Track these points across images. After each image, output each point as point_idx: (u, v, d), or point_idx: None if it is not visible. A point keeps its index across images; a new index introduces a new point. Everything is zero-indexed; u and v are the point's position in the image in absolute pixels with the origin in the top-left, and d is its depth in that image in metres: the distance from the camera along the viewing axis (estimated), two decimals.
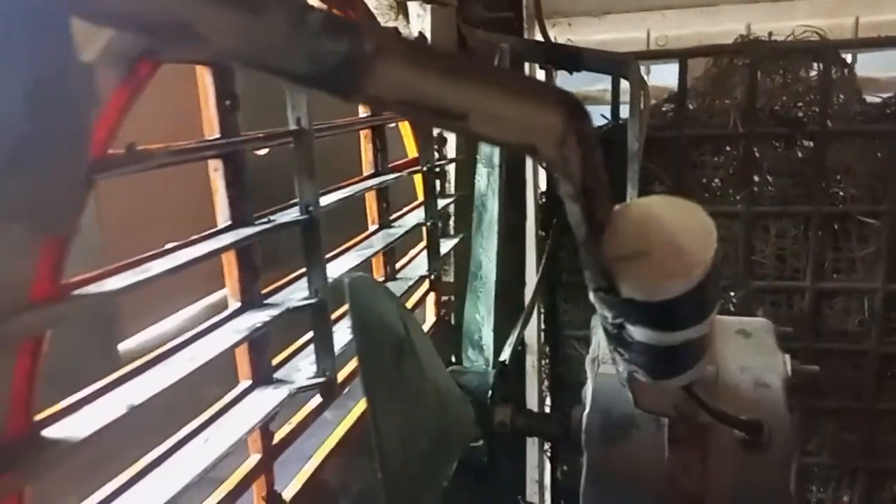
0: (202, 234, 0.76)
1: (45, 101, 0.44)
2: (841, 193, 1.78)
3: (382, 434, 0.62)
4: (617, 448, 0.96)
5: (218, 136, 0.76)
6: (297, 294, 0.90)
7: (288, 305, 0.85)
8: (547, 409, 2.17)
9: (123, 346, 3.73)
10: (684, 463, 0.91)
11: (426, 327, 1.49)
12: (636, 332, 0.61)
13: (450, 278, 1.60)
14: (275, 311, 0.83)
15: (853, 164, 1.74)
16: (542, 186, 2.04)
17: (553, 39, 1.83)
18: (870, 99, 1.73)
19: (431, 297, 1.50)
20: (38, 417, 0.57)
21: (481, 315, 1.26)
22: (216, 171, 0.79)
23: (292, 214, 0.87)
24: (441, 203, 1.45)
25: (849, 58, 1.77)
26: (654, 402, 0.85)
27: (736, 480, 0.90)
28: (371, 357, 0.67)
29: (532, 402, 2.20)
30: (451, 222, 1.62)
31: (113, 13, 0.40)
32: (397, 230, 1.27)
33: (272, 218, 0.85)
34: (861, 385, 1.84)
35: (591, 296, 0.61)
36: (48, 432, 0.56)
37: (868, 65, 1.88)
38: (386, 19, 1.34)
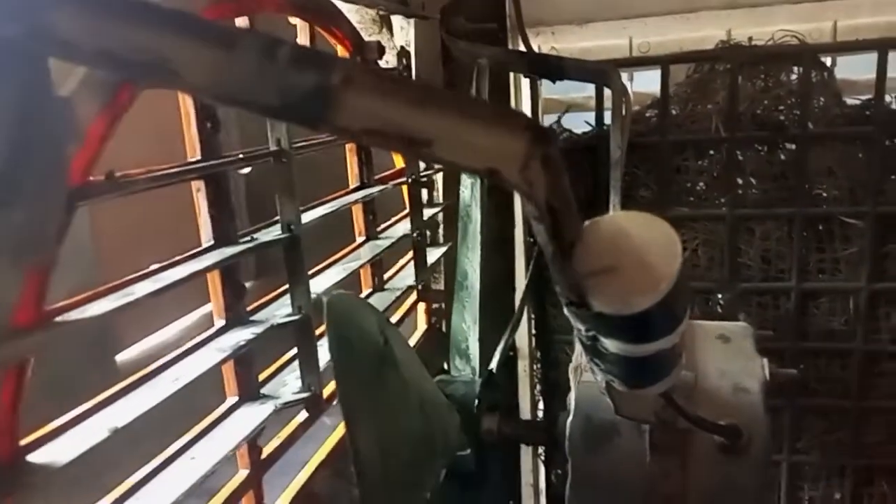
0: (186, 255, 0.78)
1: (25, 137, 0.45)
2: (824, 195, 1.79)
3: (359, 445, 0.63)
4: (600, 454, 0.97)
5: (199, 157, 0.78)
6: (281, 310, 0.91)
7: (272, 322, 0.87)
8: (540, 413, 2.18)
9: (121, 357, 3.72)
10: (665, 468, 0.93)
11: (417, 335, 1.50)
12: (609, 344, 0.62)
13: (440, 286, 1.61)
14: (259, 329, 0.85)
15: (835, 165, 1.75)
16: None
17: (538, 48, 1.84)
18: (849, 101, 1.74)
19: (422, 307, 1.51)
20: (23, 442, 0.58)
21: (467, 325, 1.27)
22: (199, 192, 0.80)
23: (274, 233, 0.89)
24: (429, 213, 1.47)
25: (828, 61, 1.78)
26: (633, 409, 0.87)
27: (715, 484, 0.91)
28: (347, 372, 0.68)
29: (525, 406, 2.21)
30: (441, 230, 1.63)
31: (88, 53, 0.41)
32: (384, 241, 1.29)
33: (255, 236, 0.86)
34: (847, 383, 1.85)
35: (565, 310, 0.63)
36: (32, 457, 0.58)
37: (847, 68, 1.90)
38: (370, 33, 1.35)
